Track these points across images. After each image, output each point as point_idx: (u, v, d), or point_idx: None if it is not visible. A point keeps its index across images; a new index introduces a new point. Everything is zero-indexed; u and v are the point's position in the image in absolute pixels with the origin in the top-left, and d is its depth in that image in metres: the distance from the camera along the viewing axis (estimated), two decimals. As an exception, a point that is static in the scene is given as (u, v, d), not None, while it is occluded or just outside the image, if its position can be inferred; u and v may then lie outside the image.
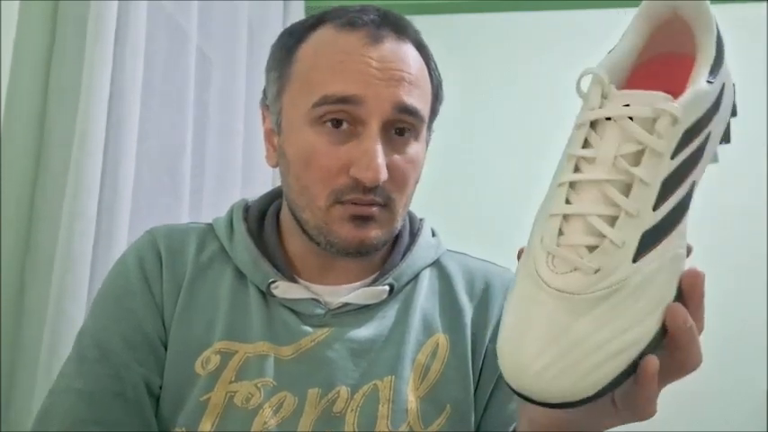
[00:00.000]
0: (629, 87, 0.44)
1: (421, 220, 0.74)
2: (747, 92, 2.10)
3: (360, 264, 0.67)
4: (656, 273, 0.38)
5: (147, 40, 1.12)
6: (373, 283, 0.66)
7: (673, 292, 0.39)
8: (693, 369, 0.41)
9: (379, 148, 0.58)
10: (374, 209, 0.60)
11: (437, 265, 0.71)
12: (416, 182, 0.65)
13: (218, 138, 1.48)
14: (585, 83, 0.40)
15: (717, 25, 0.41)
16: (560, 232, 0.39)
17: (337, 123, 0.59)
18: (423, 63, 0.64)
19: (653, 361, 0.38)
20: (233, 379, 0.60)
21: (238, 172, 1.51)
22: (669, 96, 0.38)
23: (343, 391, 0.61)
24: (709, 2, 0.42)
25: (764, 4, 2.12)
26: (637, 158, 0.38)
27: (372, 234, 0.61)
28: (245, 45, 1.56)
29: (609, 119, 0.39)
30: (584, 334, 0.37)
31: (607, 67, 0.42)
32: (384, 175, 0.58)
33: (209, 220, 0.72)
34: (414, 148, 0.62)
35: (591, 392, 0.37)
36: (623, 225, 0.38)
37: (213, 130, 1.47)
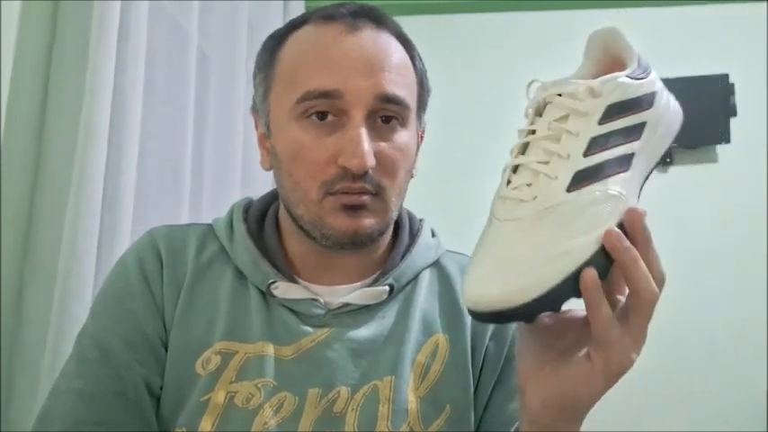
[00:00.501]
0: None
1: (421, 220, 0.74)
2: (747, 92, 2.11)
3: (360, 263, 0.67)
4: (591, 202, 0.45)
5: (148, 39, 1.12)
6: (373, 283, 0.66)
7: (612, 223, 0.45)
8: (646, 300, 0.44)
9: (364, 135, 0.58)
10: (365, 197, 0.60)
11: (437, 265, 0.71)
12: (408, 171, 0.65)
13: (217, 137, 1.48)
14: (533, 90, 0.50)
15: (638, 53, 0.50)
16: (509, 182, 0.48)
17: (322, 116, 0.60)
18: (404, 52, 0.64)
19: (589, 271, 0.43)
20: (233, 379, 0.60)
21: (238, 172, 1.51)
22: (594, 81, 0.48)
23: (344, 391, 0.61)
24: (626, 39, 0.51)
25: (764, 4, 2.12)
26: (565, 119, 0.47)
27: (366, 223, 0.60)
28: (245, 45, 1.57)
29: (547, 103, 0.49)
30: (521, 245, 0.44)
31: (554, 82, 0.50)
32: (371, 161, 0.58)
33: (209, 221, 0.72)
34: (401, 136, 0.62)
35: (532, 295, 0.42)
36: (556, 163, 0.46)
37: (213, 129, 1.48)
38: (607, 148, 0.47)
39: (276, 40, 0.65)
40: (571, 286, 0.43)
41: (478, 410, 0.65)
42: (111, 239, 1.00)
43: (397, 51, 0.63)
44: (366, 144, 0.58)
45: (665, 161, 2.08)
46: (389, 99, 0.60)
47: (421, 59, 0.67)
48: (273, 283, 0.63)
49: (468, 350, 0.65)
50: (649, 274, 0.44)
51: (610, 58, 0.53)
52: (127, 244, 1.00)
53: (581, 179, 0.46)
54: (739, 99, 2.10)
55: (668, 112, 0.51)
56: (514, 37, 2.21)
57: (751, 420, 1.92)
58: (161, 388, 0.62)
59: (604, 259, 0.44)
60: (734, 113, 2.10)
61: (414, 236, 0.71)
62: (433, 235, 0.74)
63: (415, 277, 0.69)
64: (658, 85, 0.51)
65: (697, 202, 2.06)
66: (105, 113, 0.97)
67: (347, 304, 0.64)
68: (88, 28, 0.97)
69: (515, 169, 0.48)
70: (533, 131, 0.49)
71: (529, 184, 0.47)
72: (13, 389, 0.90)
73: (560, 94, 0.48)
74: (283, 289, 0.64)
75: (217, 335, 0.62)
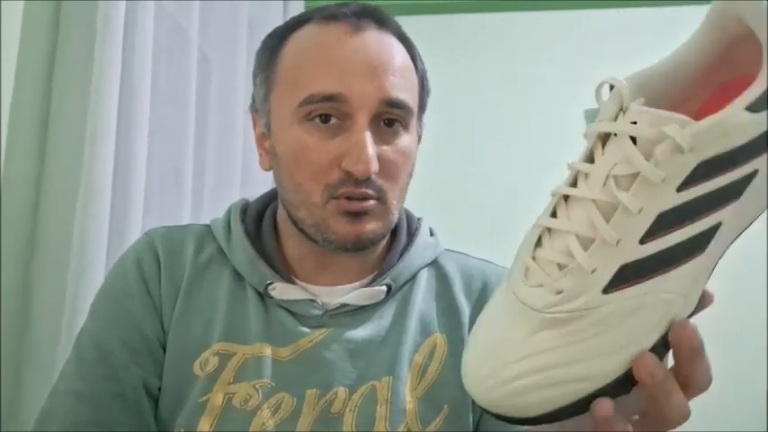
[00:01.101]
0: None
1: (419, 219, 0.74)
2: (748, 92, 2.11)
3: (357, 263, 0.67)
4: (632, 312, 0.35)
5: (152, 41, 1.12)
6: (371, 283, 0.66)
7: (652, 339, 0.35)
8: (677, 424, 0.37)
9: (369, 140, 0.58)
10: (368, 203, 0.60)
11: (435, 264, 0.71)
12: (409, 175, 0.64)
13: (217, 138, 1.48)
14: (605, 95, 0.38)
15: None
16: (539, 244, 0.38)
17: (326, 118, 0.59)
18: (407, 54, 0.64)
19: (603, 404, 0.35)
20: (231, 380, 0.60)
21: (238, 172, 1.51)
22: (690, 121, 0.34)
23: (341, 391, 0.61)
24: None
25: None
26: (629, 183, 0.35)
27: (368, 228, 0.60)
28: (245, 45, 1.57)
29: (615, 135, 0.36)
30: (534, 351, 0.35)
31: (641, 79, 0.38)
32: (375, 166, 0.57)
33: (208, 221, 0.72)
34: (404, 140, 0.62)
35: (530, 414, 0.36)
36: (597, 251, 0.35)
37: (213, 129, 1.48)
38: (679, 228, 0.34)
39: (277, 39, 0.64)
40: (581, 408, 0.36)
41: (477, 410, 0.65)
42: (120, 240, 1.00)
43: (399, 53, 0.62)
44: (371, 149, 0.57)
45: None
46: (394, 104, 0.59)
47: (422, 60, 0.67)
48: (271, 283, 0.64)
49: None
50: (682, 400, 0.37)
51: (742, 32, 0.37)
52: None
53: (628, 277, 0.35)
54: (739, 99, 2.10)
55: None
56: (514, 37, 2.20)
57: (751, 420, 1.91)
58: (159, 389, 0.62)
59: (631, 381, 0.36)
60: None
61: (412, 235, 0.71)
62: (432, 234, 0.74)
63: (413, 277, 0.69)
64: None
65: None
66: (112, 114, 0.97)
67: (345, 305, 0.64)
68: (93, 28, 0.97)
69: (549, 229, 0.38)
70: (588, 176, 0.36)
71: (560, 266, 0.36)
72: (20, 389, 0.90)
73: (634, 139, 0.35)
74: (281, 290, 0.64)
75: (215, 336, 0.62)
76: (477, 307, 0.68)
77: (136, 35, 1.05)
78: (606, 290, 0.35)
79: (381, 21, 0.63)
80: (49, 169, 0.96)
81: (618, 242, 0.34)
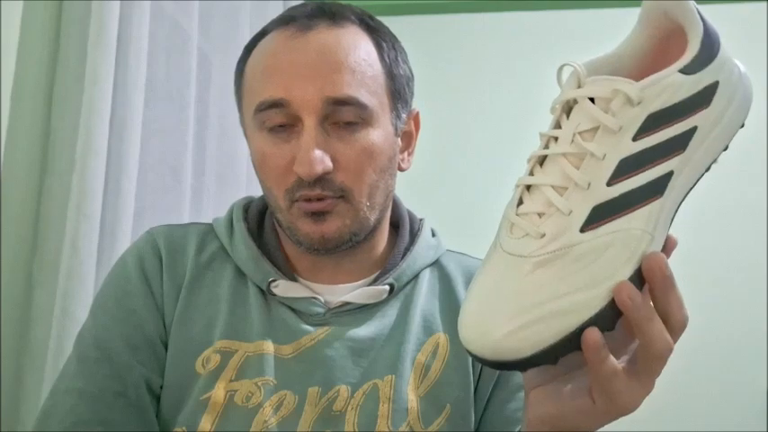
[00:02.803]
0: None
1: (421, 220, 0.74)
2: (747, 92, 2.11)
3: (358, 262, 0.67)
4: (607, 246, 0.39)
5: (149, 40, 1.12)
6: (373, 282, 0.67)
7: (627, 271, 0.39)
8: (660, 356, 0.39)
9: (312, 142, 0.58)
10: (327, 202, 0.60)
11: (437, 265, 0.71)
12: (381, 170, 0.62)
13: (219, 137, 1.48)
14: (566, 75, 0.43)
15: (706, 24, 0.42)
16: (520, 201, 0.42)
17: (281, 125, 0.60)
18: (369, 46, 0.62)
19: (592, 332, 0.38)
20: (233, 377, 0.60)
21: (242, 171, 1.51)
22: (633, 81, 0.40)
23: (343, 389, 0.61)
24: (693, 6, 0.43)
25: (764, 4, 2.12)
26: (592, 135, 0.40)
27: (333, 227, 0.61)
28: (245, 45, 1.56)
29: (576, 101, 0.41)
30: (523, 293, 0.38)
31: (592, 65, 0.43)
32: (319, 166, 0.57)
33: (210, 220, 0.72)
34: (367, 136, 0.61)
35: (523, 354, 0.38)
36: (572, 195, 0.40)
37: (214, 129, 1.48)
38: (638, 172, 0.40)
39: (246, 51, 0.66)
40: (572, 343, 0.38)
41: (479, 410, 0.65)
42: (112, 241, 1.00)
43: (354, 47, 0.61)
44: (312, 151, 0.57)
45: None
46: (341, 102, 0.59)
47: (394, 47, 0.65)
48: (273, 281, 0.64)
49: None
50: (664, 329, 0.39)
51: (669, 25, 0.44)
52: (127, 244, 1.00)
53: (600, 216, 0.39)
54: (739, 99, 2.10)
55: (733, 101, 0.42)
56: (514, 37, 2.20)
57: (751, 420, 1.91)
58: (161, 387, 0.62)
59: (613, 312, 0.39)
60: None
61: (414, 235, 0.71)
62: (434, 235, 0.74)
63: (416, 277, 0.69)
64: (725, 69, 0.42)
65: (696, 202, 2.06)
66: (106, 114, 0.97)
67: (347, 303, 0.64)
68: (87, 28, 0.97)
69: (528, 187, 0.42)
70: (555, 139, 0.42)
71: (540, 214, 0.40)
72: (21, 390, 0.90)
73: (592, 99, 0.40)
74: (283, 287, 0.64)
75: (217, 333, 0.62)
76: None
77: (131, 36, 1.05)
78: (582, 228, 0.39)
79: (335, 15, 0.62)
80: (50, 170, 0.96)
81: (588, 185, 0.39)
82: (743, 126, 0.45)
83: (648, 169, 0.40)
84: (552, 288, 0.38)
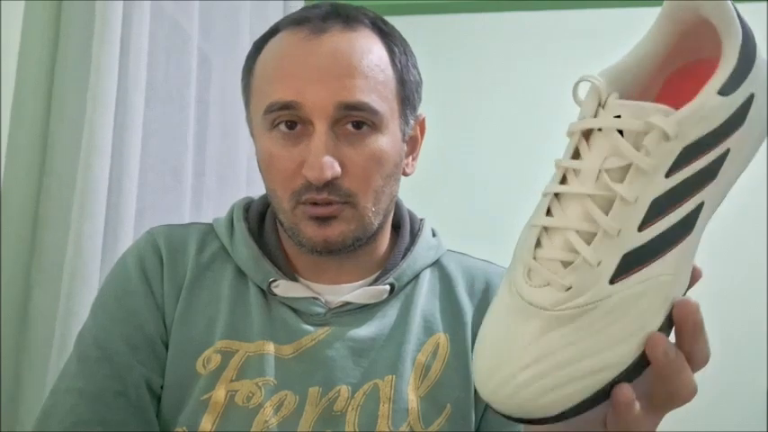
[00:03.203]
0: (658, 100, 0.41)
1: (422, 220, 0.74)
2: (747, 92, 2.11)
3: (358, 262, 0.67)
4: (638, 297, 0.36)
5: (149, 40, 1.12)
6: (374, 282, 0.67)
7: (658, 321, 0.37)
8: (686, 401, 0.39)
9: (322, 147, 0.58)
10: (333, 207, 0.59)
11: (438, 265, 0.71)
12: (388, 176, 0.62)
13: (220, 138, 1.48)
14: (584, 89, 0.39)
15: (745, 28, 0.38)
16: (539, 244, 0.38)
17: (291, 125, 0.60)
18: (381, 50, 0.62)
19: (625, 390, 0.37)
20: (234, 377, 0.60)
21: (242, 172, 1.51)
22: (669, 109, 0.36)
23: (344, 390, 0.61)
24: (731, 2, 0.38)
25: (764, 4, 2.12)
26: (622, 174, 0.36)
27: (336, 232, 0.60)
28: (245, 45, 1.57)
29: (600, 129, 0.37)
30: (549, 350, 0.36)
31: (612, 74, 0.40)
32: (329, 172, 0.57)
33: (210, 220, 0.72)
34: (376, 142, 0.60)
35: (552, 412, 0.36)
36: (600, 244, 0.36)
37: (215, 130, 1.48)
38: (670, 212, 0.36)
39: (255, 49, 0.66)
40: (601, 398, 0.37)
41: (479, 410, 0.65)
42: (114, 241, 1.00)
43: (367, 51, 0.61)
44: (323, 156, 0.57)
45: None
46: (352, 107, 0.59)
47: (405, 52, 0.65)
48: (274, 281, 0.64)
49: (469, 350, 0.65)
50: (692, 376, 0.38)
51: (698, 24, 0.40)
52: (129, 244, 1.00)
53: (630, 264, 0.36)
54: (739, 99, 2.10)
55: (760, 116, 0.38)
56: (514, 37, 2.20)
57: (751, 420, 1.91)
58: (161, 387, 0.62)
59: (643, 362, 0.37)
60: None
61: (414, 235, 0.71)
62: (434, 235, 0.74)
63: (416, 277, 0.69)
64: (760, 77, 0.38)
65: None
66: (110, 115, 0.97)
67: (348, 303, 0.64)
68: (91, 29, 0.97)
69: (546, 228, 0.38)
70: (577, 172, 0.37)
71: (565, 263, 0.37)
72: (20, 389, 0.90)
73: (621, 131, 0.36)
74: (284, 287, 0.64)
75: (217, 334, 0.62)
76: (481, 307, 0.68)
77: (132, 36, 1.05)
78: (612, 280, 0.36)
79: (349, 18, 0.62)
80: (49, 170, 0.96)
81: (618, 233, 0.36)
82: None
83: (680, 206, 0.36)
84: (582, 346, 0.36)
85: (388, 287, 0.65)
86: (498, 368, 0.37)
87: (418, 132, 0.71)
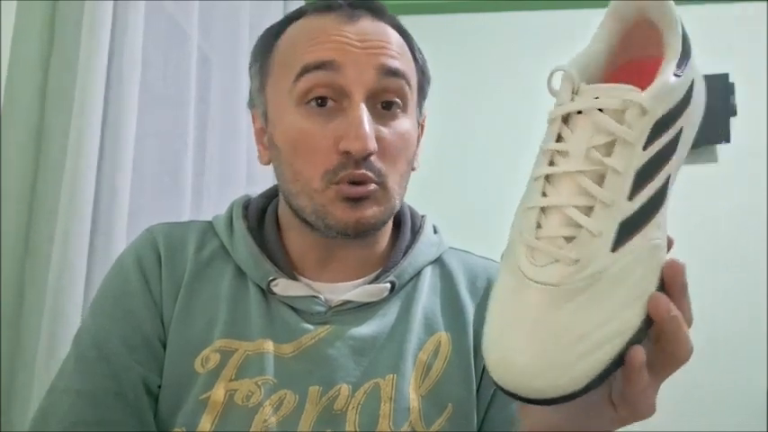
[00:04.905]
0: None
1: (423, 217, 0.74)
2: (747, 92, 2.11)
3: (360, 258, 0.67)
4: (636, 263, 0.39)
5: (148, 40, 1.12)
6: (374, 280, 0.66)
7: (654, 283, 0.40)
8: (685, 360, 0.41)
9: (366, 117, 0.57)
10: (369, 188, 0.59)
11: (439, 262, 0.71)
12: (409, 161, 0.63)
13: (219, 138, 1.48)
14: (557, 80, 0.41)
15: (681, 24, 0.42)
16: (538, 225, 0.40)
17: (322, 101, 0.59)
18: (403, 42, 0.64)
19: (639, 351, 0.39)
20: (233, 377, 0.60)
21: (243, 172, 1.51)
22: (637, 89, 0.39)
23: (344, 389, 0.60)
24: (672, 1, 0.43)
25: (764, 4, 2.12)
26: (608, 149, 0.39)
27: (369, 213, 0.60)
28: (245, 45, 1.57)
29: (579, 112, 0.40)
30: (566, 326, 0.37)
31: (578, 66, 0.43)
32: (372, 144, 0.57)
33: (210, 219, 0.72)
34: (403, 123, 0.61)
35: (578, 387, 0.37)
36: (599, 214, 0.38)
37: (215, 130, 1.48)
38: (650, 182, 0.39)
39: (273, 33, 0.65)
40: (617, 364, 0.39)
41: (481, 410, 0.64)
42: (106, 241, 0.99)
43: (395, 39, 0.63)
44: (368, 126, 0.57)
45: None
46: (392, 72, 0.59)
47: (420, 52, 0.67)
48: (273, 280, 0.63)
49: (470, 349, 0.65)
50: (689, 337, 0.41)
51: (642, 22, 0.44)
52: (123, 245, 0.99)
53: (626, 233, 0.39)
54: (739, 99, 2.10)
55: (700, 97, 0.43)
56: (514, 37, 2.21)
57: (751, 420, 1.92)
58: (159, 387, 0.62)
59: (648, 324, 0.40)
60: (734, 113, 2.10)
61: (416, 232, 0.71)
62: (436, 232, 0.73)
63: (417, 274, 0.68)
64: (696, 66, 0.42)
65: (696, 202, 2.06)
66: (97, 115, 0.97)
67: (348, 301, 0.64)
68: (79, 28, 0.97)
69: (544, 209, 0.40)
70: (564, 153, 0.40)
71: (568, 239, 0.39)
72: (13, 389, 0.89)
73: (601, 110, 0.39)
74: (283, 286, 0.63)
75: (216, 333, 0.62)
76: (482, 305, 0.67)
77: (126, 36, 1.04)
78: (613, 248, 0.38)
79: (376, 11, 0.63)
80: (42, 169, 0.96)
81: (613, 202, 0.38)
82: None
83: (656, 177, 0.40)
84: (596, 316, 0.38)
85: (388, 285, 0.65)
86: (518, 354, 0.38)
87: (420, 130, 0.71)
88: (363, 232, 0.61)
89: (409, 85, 0.61)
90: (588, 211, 0.39)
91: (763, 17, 2.12)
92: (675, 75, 0.40)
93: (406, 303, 0.66)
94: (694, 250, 2.06)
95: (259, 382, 0.60)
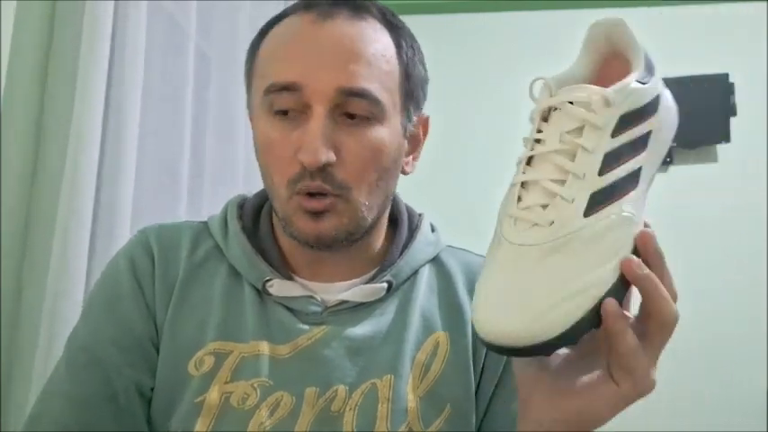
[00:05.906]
0: None
1: (420, 215, 0.73)
2: (747, 92, 2.11)
3: (355, 259, 0.66)
4: (607, 229, 0.44)
5: (146, 39, 1.11)
6: (371, 280, 0.65)
7: (627, 249, 0.44)
8: (670, 323, 0.44)
9: (318, 130, 0.57)
10: (327, 201, 0.58)
11: (436, 261, 0.70)
12: (386, 170, 0.61)
13: (218, 138, 1.47)
14: (537, 89, 0.48)
15: (645, 50, 0.49)
16: (519, 198, 0.46)
17: (285, 112, 0.59)
18: (388, 41, 0.61)
19: (609, 302, 0.42)
20: (228, 378, 0.59)
21: (240, 172, 1.50)
22: (605, 89, 0.46)
23: (341, 390, 0.60)
24: (632, 32, 0.50)
25: (764, 4, 2.12)
26: (579, 133, 0.45)
27: (329, 226, 0.59)
28: (245, 45, 1.56)
29: (555, 109, 0.46)
30: (542, 279, 0.42)
31: (557, 82, 0.48)
32: (324, 156, 0.56)
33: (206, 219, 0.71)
34: (375, 133, 0.59)
35: (552, 335, 0.41)
36: (572, 184, 0.44)
37: (213, 130, 1.47)
38: (619, 165, 0.45)
39: (260, 34, 0.65)
40: (592, 318, 0.42)
41: (480, 410, 0.63)
42: (108, 240, 0.99)
43: (374, 41, 0.60)
44: (318, 139, 0.56)
45: (666, 161, 2.08)
46: (354, 93, 0.58)
47: (412, 47, 0.64)
48: (269, 280, 0.63)
49: (469, 348, 0.64)
50: (669, 296, 0.44)
51: (612, 52, 0.51)
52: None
53: (597, 202, 0.44)
54: (739, 99, 2.10)
55: (669, 114, 0.50)
56: (514, 37, 2.20)
57: (751, 420, 1.91)
58: (152, 390, 0.61)
59: (623, 286, 0.44)
60: (734, 113, 2.10)
61: (413, 231, 0.70)
62: (433, 230, 0.73)
63: (414, 274, 0.68)
64: (660, 85, 0.49)
65: (697, 202, 2.06)
66: (98, 115, 0.96)
67: (344, 302, 0.63)
68: (80, 26, 0.96)
69: (524, 184, 0.46)
70: (541, 141, 0.46)
71: (544, 206, 0.45)
72: (10, 390, 0.89)
73: (572, 102, 0.46)
74: (279, 287, 0.63)
75: (210, 335, 0.61)
76: None
77: (127, 35, 1.04)
78: (585, 214, 0.44)
79: (358, 7, 0.61)
80: (42, 169, 0.95)
81: (584, 175, 0.44)
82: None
83: (625, 163, 0.45)
84: (570, 269, 0.42)
85: (385, 285, 0.64)
86: (501, 306, 0.43)
87: (420, 132, 0.69)
88: (326, 245, 0.60)
89: (379, 102, 0.59)
90: (562, 183, 0.45)
91: (763, 17, 2.12)
92: (638, 81, 0.46)
93: (403, 303, 0.65)
94: (694, 250, 2.06)
95: (255, 385, 0.59)
